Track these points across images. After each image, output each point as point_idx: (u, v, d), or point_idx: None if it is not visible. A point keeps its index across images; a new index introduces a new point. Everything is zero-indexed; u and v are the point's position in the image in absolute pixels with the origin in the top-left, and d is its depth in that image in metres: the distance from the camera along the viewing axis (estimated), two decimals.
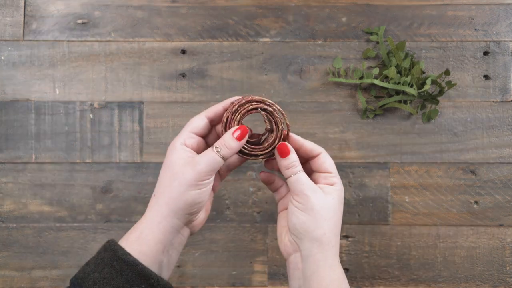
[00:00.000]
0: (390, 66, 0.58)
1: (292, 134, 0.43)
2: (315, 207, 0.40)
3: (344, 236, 0.59)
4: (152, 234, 0.40)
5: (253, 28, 0.61)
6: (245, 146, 0.43)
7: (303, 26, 0.61)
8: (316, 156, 0.43)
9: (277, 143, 0.43)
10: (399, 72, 0.58)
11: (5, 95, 0.60)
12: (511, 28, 0.61)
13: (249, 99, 0.42)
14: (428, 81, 0.56)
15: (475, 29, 0.61)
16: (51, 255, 0.59)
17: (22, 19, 0.61)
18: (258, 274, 0.59)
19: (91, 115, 0.60)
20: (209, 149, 0.41)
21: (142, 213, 0.59)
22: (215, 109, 0.44)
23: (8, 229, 0.59)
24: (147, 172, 0.60)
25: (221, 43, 0.61)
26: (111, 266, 0.39)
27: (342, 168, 0.60)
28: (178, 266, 0.59)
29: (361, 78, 0.59)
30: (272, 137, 0.43)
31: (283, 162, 0.42)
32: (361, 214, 0.60)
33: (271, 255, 0.59)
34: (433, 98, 0.59)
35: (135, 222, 0.59)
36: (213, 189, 0.44)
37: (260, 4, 0.62)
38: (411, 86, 0.57)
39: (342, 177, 0.60)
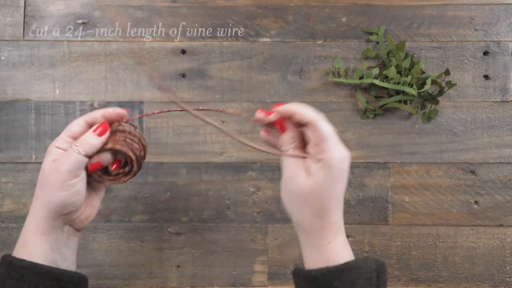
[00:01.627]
0: (390, 66, 0.58)
1: (282, 107, 0.41)
2: (295, 193, 0.40)
3: None
4: (35, 236, 0.40)
5: (253, 28, 0.61)
6: (99, 174, 0.44)
7: (303, 26, 0.61)
8: (307, 124, 0.40)
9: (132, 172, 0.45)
10: (399, 72, 0.58)
11: (5, 95, 0.60)
12: (511, 28, 0.61)
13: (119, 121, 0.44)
14: (428, 81, 0.56)
15: (475, 29, 0.61)
16: None
17: (22, 19, 0.61)
18: (258, 274, 0.59)
19: None
20: (68, 152, 0.41)
21: (142, 213, 0.59)
22: (94, 115, 0.43)
23: (8, 229, 0.59)
24: (147, 172, 0.60)
25: (221, 43, 0.61)
26: (10, 278, 0.38)
27: None
28: (178, 266, 0.59)
29: (361, 78, 0.59)
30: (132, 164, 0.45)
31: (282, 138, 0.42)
32: (361, 214, 0.60)
33: (271, 255, 0.59)
34: (433, 98, 0.59)
35: (135, 222, 0.60)
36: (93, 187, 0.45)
37: (260, 4, 0.62)
38: (411, 86, 0.57)
39: None
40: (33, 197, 0.43)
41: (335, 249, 0.40)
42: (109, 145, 0.43)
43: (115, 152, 0.44)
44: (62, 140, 0.42)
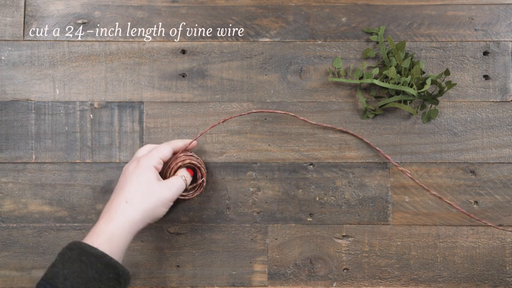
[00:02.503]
0: (390, 66, 0.58)
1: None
2: None
3: (344, 236, 0.59)
4: (124, 236, 0.45)
5: (253, 28, 0.61)
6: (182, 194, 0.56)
7: (303, 26, 0.61)
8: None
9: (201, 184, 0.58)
10: (399, 72, 0.58)
11: (5, 95, 0.60)
12: (511, 28, 0.61)
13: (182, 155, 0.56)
14: (428, 81, 0.56)
15: (475, 29, 0.61)
16: (51, 255, 0.59)
17: (22, 19, 0.61)
18: (258, 274, 0.59)
19: (91, 115, 0.60)
20: (178, 177, 0.52)
21: None
22: (180, 143, 0.55)
23: (8, 229, 0.59)
24: None
25: (221, 43, 0.61)
26: (80, 261, 0.42)
27: (342, 168, 0.60)
28: (178, 266, 0.59)
29: (361, 78, 0.59)
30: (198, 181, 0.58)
31: None
32: (361, 214, 0.60)
33: (271, 255, 0.59)
34: (433, 98, 0.59)
35: None
36: None
37: (260, 4, 0.62)
38: (411, 86, 0.57)
39: (342, 177, 0.60)
40: (115, 196, 0.49)
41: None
42: (187, 162, 0.56)
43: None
44: (156, 162, 0.51)
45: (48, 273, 0.42)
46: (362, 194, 0.60)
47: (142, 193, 0.48)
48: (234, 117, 0.58)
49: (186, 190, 0.56)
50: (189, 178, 0.54)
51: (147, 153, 0.52)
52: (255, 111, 0.58)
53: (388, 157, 0.59)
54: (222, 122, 0.56)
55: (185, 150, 0.56)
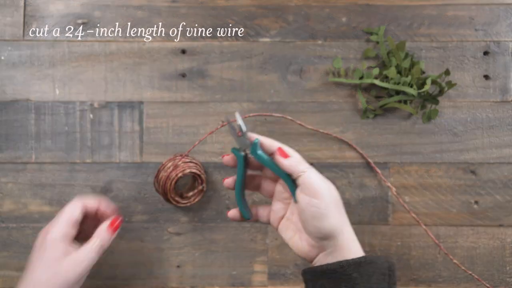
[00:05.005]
0: (390, 66, 0.58)
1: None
2: (330, 200, 0.41)
3: None
4: None
5: (253, 28, 0.61)
6: (177, 199, 0.57)
7: (303, 26, 0.61)
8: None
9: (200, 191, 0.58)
10: (399, 72, 0.58)
11: (5, 95, 0.60)
12: (511, 28, 0.61)
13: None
14: (428, 81, 0.56)
15: (475, 29, 0.61)
16: None
17: (22, 19, 0.61)
18: (258, 274, 0.59)
19: (91, 115, 0.60)
20: (89, 245, 0.44)
21: (142, 212, 0.59)
22: (91, 200, 0.48)
23: (8, 229, 0.59)
24: (147, 172, 0.60)
25: (221, 43, 0.61)
26: None
27: (342, 168, 0.60)
28: (178, 266, 0.59)
29: (361, 78, 0.59)
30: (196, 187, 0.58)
31: (286, 162, 0.42)
32: (361, 214, 0.60)
33: (271, 255, 0.59)
34: (433, 98, 0.59)
35: (135, 222, 0.60)
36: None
37: (260, 4, 0.62)
38: (411, 86, 0.57)
39: (342, 177, 0.60)
40: (23, 279, 0.44)
41: (346, 246, 0.41)
42: (187, 171, 0.55)
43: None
44: (64, 226, 0.45)
45: None
46: (362, 194, 0.60)
47: (46, 278, 0.42)
48: (223, 125, 0.59)
49: (187, 197, 0.57)
50: (105, 239, 0.46)
51: (55, 218, 0.46)
52: (253, 114, 0.58)
53: (373, 165, 0.59)
54: (218, 128, 0.55)
55: (183, 156, 0.56)
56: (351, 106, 0.61)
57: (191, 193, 0.58)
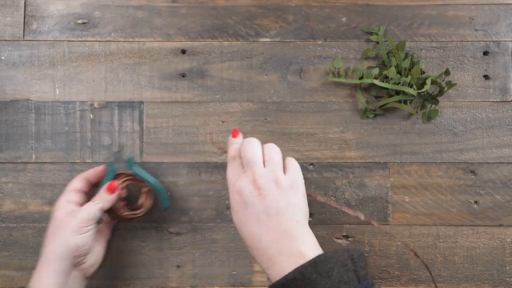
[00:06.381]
0: (390, 66, 0.58)
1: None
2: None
3: (344, 236, 0.59)
4: (46, 278, 0.47)
5: (253, 28, 0.61)
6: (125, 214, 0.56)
7: (303, 26, 0.61)
8: None
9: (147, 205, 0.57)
10: (399, 72, 0.58)
11: (5, 95, 0.60)
12: (511, 28, 0.61)
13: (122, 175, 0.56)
14: (428, 81, 0.56)
15: (475, 29, 0.61)
16: None
17: (22, 19, 0.61)
18: (258, 274, 0.59)
19: (91, 115, 0.60)
20: (89, 202, 0.51)
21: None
22: (93, 171, 0.55)
23: (8, 229, 0.59)
24: (147, 172, 0.60)
25: (221, 43, 0.61)
26: None
27: (342, 168, 0.60)
28: (178, 266, 0.59)
29: (361, 78, 0.59)
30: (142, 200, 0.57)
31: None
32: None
33: None
34: (433, 98, 0.59)
35: (135, 222, 0.59)
36: (103, 235, 0.55)
37: (260, 4, 0.62)
38: (411, 86, 0.57)
39: (342, 177, 0.60)
40: (45, 240, 0.50)
41: (302, 250, 0.41)
42: (126, 182, 0.55)
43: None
44: (68, 194, 0.52)
45: None
46: (362, 194, 0.60)
47: (50, 233, 0.50)
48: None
49: (138, 207, 0.56)
50: (106, 199, 0.52)
51: (63, 194, 0.53)
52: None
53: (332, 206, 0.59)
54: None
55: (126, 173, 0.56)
56: (351, 106, 0.61)
57: (140, 200, 0.57)
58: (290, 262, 0.40)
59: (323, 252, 0.42)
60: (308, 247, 0.42)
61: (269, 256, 0.41)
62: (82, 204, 0.52)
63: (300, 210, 0.44)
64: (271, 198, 0.42)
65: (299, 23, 0.61)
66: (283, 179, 0.44)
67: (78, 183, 0.53)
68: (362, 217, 0.52)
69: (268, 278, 0.42)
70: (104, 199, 0.52)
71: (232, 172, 0.45)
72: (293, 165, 0.47)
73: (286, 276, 0.39)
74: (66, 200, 0.51)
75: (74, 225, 0.48)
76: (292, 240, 0.41)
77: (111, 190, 0.52)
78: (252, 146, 0.45)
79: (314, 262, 0.39)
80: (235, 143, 0.49)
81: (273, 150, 0.45)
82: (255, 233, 0.42)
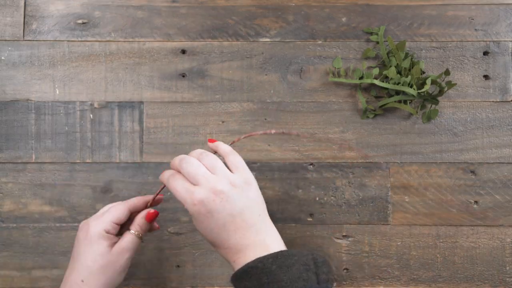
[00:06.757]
0: (390, 66, 0.58)
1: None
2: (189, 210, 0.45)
3: (344, 236, 0.59)
4: None
5: (253, 28, 0.61)
6: None
7: (303, 26, 0.61)
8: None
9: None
10: (399, 72, 0.58)
11: (5, 95, 0.60)
12: (511, 28, 0.61)
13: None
14: (428, 81, 0.56)
15: (475, 29, 0.61)
16: (51, 255, 0.59)
17: (22, 19, 0.61)
18: None
19: (91, 115, 0.60)
20: (130, 234, 0.48)
21: None
22: (136, 202, 0.51)
23: (8, 229, 0.59)
24: (147, 172, 0.60)
25: (221, 43, 0.61)
26: None
27: (342, 168, 0.60)
28: (178, 266, 0.59)
29: (361, 78, 0.59)
30: None
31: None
32: (361, 214, 0.60)
33: None
34: (433, 98, 0.59)
35: None
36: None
37: (260, 4, 0.62)
38: (411, 86, 0.57)
39: (342, 177, 0.60)
40: (70, 272, 0.47)
41: (268, 243, 0.44)
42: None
43: None
44: (109, 225, 0.48)
45: None
46: (362, 194, 0.60)
47: (97, 268, 0.46)
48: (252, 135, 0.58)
49: None
50: (144, 227, 0.50)
51: (100, 214, 0.49)
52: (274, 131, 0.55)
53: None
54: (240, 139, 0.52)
55: (151, 205, 0.52)
56: (351, 106, 0.61)
57: None
58: (256, 253, 0.42)
59: (287, 249, 0.44)
60: (273, 240, 0.44)
61: (237, 251, 0.43)
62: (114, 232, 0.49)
63: (259, 204, 0.46)
64: (233, 199, 0.43)
65: (299, 23, 0.61)
66: (235, 178, 0.45)
67: (123, 214, 0.49)
68: (294, 132, 0.55)
69: (233, 269, 0.44)
70: (142, 225, 0.49)
71: (181, 189, 0.44)
72: (237, 161, 0.47)
73: (247, 263, 0.41)
74: (106, 230, 0.47)
75: (123, 265, 0.47)
76: (258, 233, 0.44)
77: (149, 218, 0.50)
78: (191, 161, 0.45)
79: (276, 255, 0.41)
80: (166, 171, 0.48)
81: (212, 158, 0.45)
82: (222, 235, 0.43)
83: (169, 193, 0.59)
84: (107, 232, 0.47)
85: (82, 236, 0.47)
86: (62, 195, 0.59)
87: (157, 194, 0.51)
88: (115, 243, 0.47)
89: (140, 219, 0.49)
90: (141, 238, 0.49)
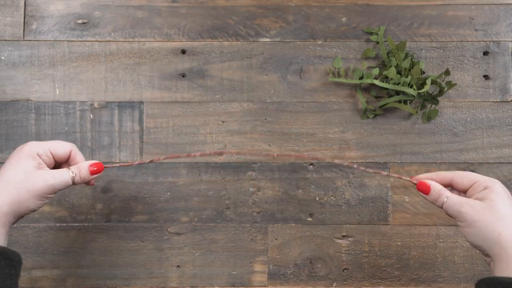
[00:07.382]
0: (390, 66, 0.58)
1: (425, 181, 0.47)
2: (474, 218, 0.42)
3: (344, 236, 0.59)
4: None
5: (253, 28, 0.61)
6: None
7: (303, 26, 0.61)
8: (451, 181, 0.46)
9: None
10: (399, 72, 0.58)
11: (5, 95, 0.60)
12: (511, 28, 0.61)
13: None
14: (428, 81, 0.56)
15: (475, 29, 0.61)
16: (51, 255, 0.59)
17: (22, 19, 0.61)
18: (258, 274, 0.59)
19: (91, 115, 0.60)
20: (66, 170, 0.46)
21: (142, 213, 0.59)
22: (80, 157, 0.49)
23: None
24: (147, 172, 0.60)
25: (221, 43, 0.61)
26: None
27: (342, 168, 0.60)
28: (178, 266, 0.59)
29: (361, 78, 0.59)
30: None
31: (429, 198, 0.46)
32: (361, 214, 0.60)
33: (271, 255, 0.59)
34: (433, 98, 0.59)
35: (135, 222, 0.60)
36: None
37: (260, 4, 0.62)
38: (411, 86, 0.57)
39: (342, 177, 0.60)
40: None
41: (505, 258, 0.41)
42: None
43: None
44: (43, 150, 0.46)
45: None
46: (362, 194, 0.60)
47: (15, 181, 0.44)
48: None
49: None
50: (82, 174, 0.47)
51: (43, 141, 0.48)
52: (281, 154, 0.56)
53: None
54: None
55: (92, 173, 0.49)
56: (351, 106, 0.61)
57: None
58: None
59: None
60: None
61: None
62: (49, 165, 0.47)
63: None
64: None
65: (299, 23, 0.61)
66: None
67: (62, 149, 0.47)
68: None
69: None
70: (82, 176, 0.47)
71: None
72: None
73: (507, 278, 0.39)
74: (38, 153, 0.45)
75: (42, 190, 0.44)
76: None
77: (95, 171, 0.48)
78: None
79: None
80: None
81: None
82: None
83: (168, 193, 0.60)
84: (39, 156, 0.45)
85: (15, 152, 0.46)
86: (62, 195, 0.59)
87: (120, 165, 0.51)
88: (43, 169, 0.45)
89: (84, 164, 0.47)
90: (73, 182, 0.46)
